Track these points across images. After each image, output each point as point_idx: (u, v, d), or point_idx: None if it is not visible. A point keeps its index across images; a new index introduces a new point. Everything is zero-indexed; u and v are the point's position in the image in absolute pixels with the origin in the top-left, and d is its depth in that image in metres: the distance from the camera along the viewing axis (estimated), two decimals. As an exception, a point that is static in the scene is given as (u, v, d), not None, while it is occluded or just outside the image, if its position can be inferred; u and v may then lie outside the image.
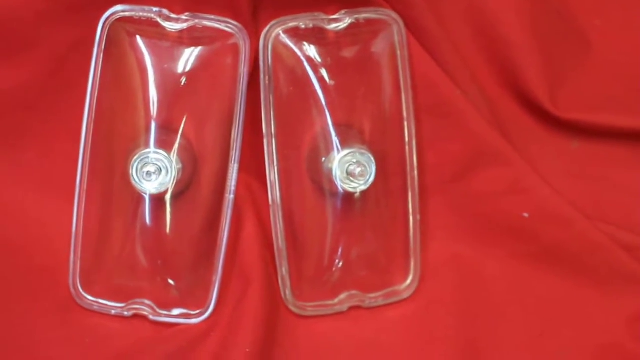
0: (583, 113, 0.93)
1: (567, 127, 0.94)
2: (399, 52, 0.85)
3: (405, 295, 0.88)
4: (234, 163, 0.83)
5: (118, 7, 0.81)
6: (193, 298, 0.84)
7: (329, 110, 0.84)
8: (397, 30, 0.85)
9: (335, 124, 0.85)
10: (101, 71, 0.81)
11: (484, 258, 0.90)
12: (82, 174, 0.82)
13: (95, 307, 0.83)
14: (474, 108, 0.89)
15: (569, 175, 0.94)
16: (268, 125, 0.83)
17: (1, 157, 0.86)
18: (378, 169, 0.85)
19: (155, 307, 0.83)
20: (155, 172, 0.80)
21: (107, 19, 0.81)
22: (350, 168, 0.83)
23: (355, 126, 0.87)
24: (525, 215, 0.89)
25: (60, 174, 0.86)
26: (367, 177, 0.84)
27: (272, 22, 0.82)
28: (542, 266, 0.90)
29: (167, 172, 0.81)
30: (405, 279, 0.88)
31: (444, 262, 0.90)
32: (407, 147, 0.86)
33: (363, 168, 0.83)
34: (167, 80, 0.83)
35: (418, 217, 0.87)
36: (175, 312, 0.83)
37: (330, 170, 0.84)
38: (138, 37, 0.82)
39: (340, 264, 0.87)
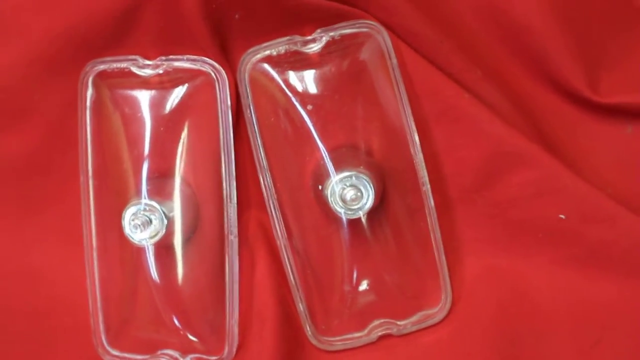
0: (629, 94, 0.84)
1: (616, 112, 0.85)
2: (388, 62, 0.79)
3: (438, 318, 0.82)
4: (229, 202, 0.80)
5: (92, 64, 0.80)
6: (215, 344, 0.82)
7: (319, 136, 0.80)
8: (381, 39, 0.79)
9: (334, 148, 0.80)
10: (91, 129, 0.81)
11: (523, 268, 0.83)
12: (88, 233, 0.82)
13: (122, 363, 0.83)
14: (486, 109, 0.82)
15: (628, 164, 0.85)
16: (259, 159, 0.80)
17: (23, 221, 0.87)
18: (392, 187, 0.81)
19: (179, 357, 0.82)
20: (142, 224, 0.78)
21: (84, 77, 0.81)
22: (343, 193, 0.78)
23: (361, 146, 0.82)
24: (562, 216, 0.81)
25: (81, 232, 0.85)
26: (364, 201, 0.78)
27: (246, 53, 0.79)
28: (589, 269, 0.81)
29: (159, 221, 0.79)
30: (438, 301, 0.82)
31: (479, 277, 0.83)
32: (415, 160, 0.80)
33: (356, 191, 0.78)
34: (154, 128, 0.81)
35: (438, 234, 0.81)
36: (195, 360, 0.82)
37: (327, 197, 0.79)
38: (119, 90, 0.81)
39: (363, 291, 0.82)
